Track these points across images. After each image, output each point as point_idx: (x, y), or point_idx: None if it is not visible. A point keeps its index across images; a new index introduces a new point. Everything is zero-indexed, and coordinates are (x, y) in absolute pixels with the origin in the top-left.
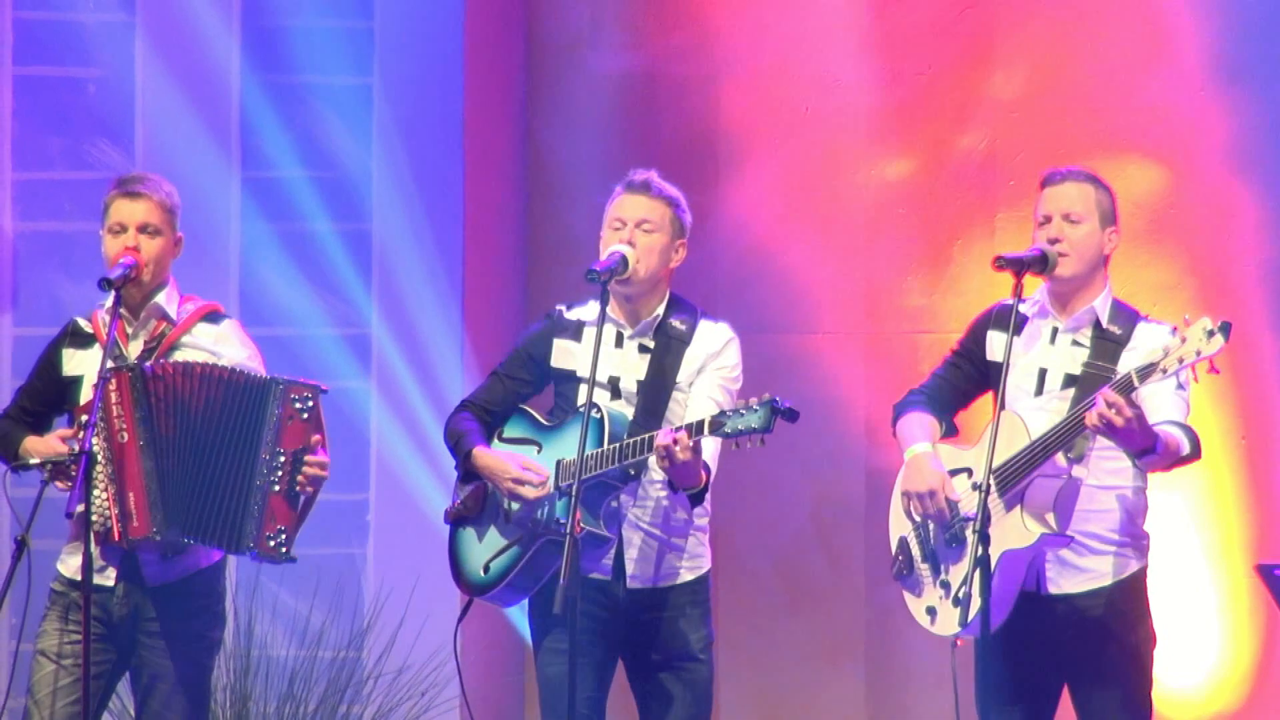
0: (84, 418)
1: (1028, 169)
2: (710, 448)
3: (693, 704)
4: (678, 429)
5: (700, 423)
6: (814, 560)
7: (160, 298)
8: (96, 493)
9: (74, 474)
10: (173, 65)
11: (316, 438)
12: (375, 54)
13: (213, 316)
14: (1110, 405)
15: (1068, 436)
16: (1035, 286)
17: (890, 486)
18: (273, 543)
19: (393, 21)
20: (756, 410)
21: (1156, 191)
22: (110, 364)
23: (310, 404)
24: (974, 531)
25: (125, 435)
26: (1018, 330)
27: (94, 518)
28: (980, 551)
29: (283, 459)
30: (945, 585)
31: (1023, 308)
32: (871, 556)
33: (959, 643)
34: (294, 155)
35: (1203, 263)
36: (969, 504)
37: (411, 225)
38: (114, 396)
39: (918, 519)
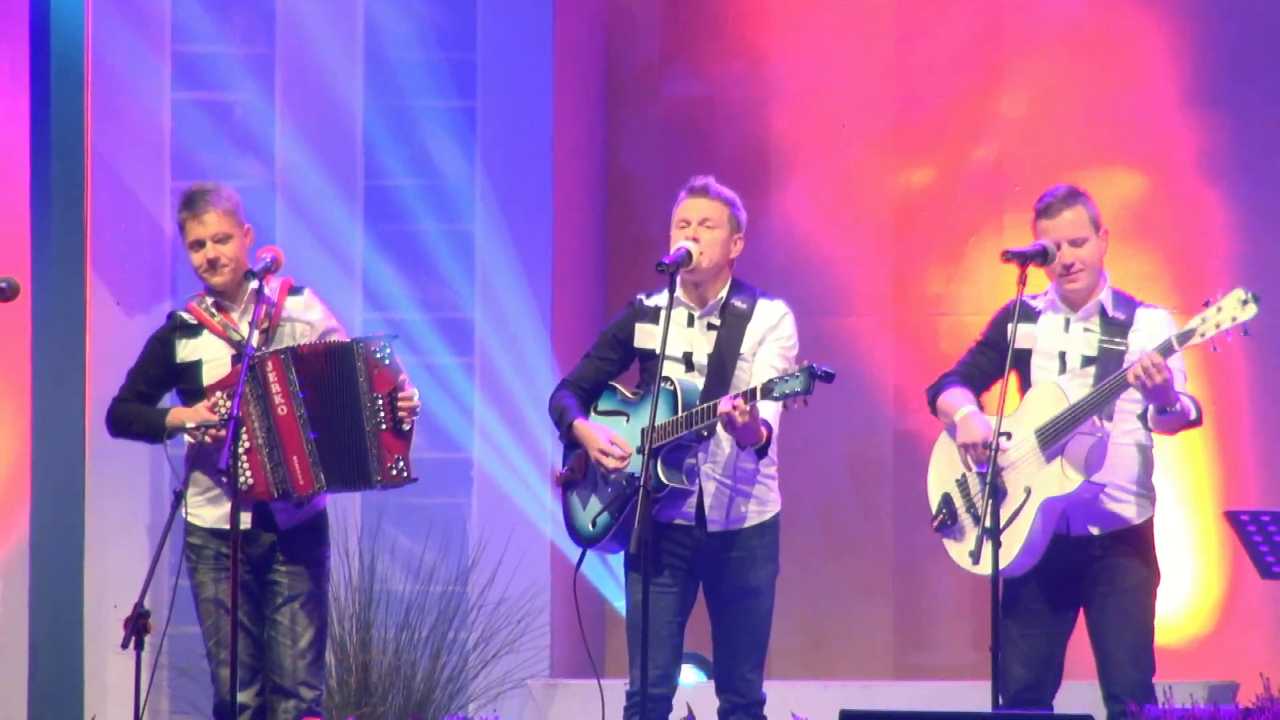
0: (219, 392)
1: (1031, 176)
2: (770, 409)
3: (754, 630)
4: (736, 396)
5: (753, 389)
6: (850, 510)
7: (253, 283)
8: (239, 454)
9: (223, 436)
10: (306, 91)
11: (402, 377)
12: (477, 81)
13: (295, 290)
14: (1154, 365)
15: (1111, 396)
16: (1037, 277)
17: (915, 447)
18: (394, 471)
19: (492, 53)
20: (798, 376)
21: (1139, 196)
22: (263, 348)
23: (388, 350)
24: (989, 483)
25: (285, 408)
26: (1034, 321)
27: (240, 477)
28: (990, 503)
29: (380, 401)
30: (987, 531)
31: (1035, 302)
32: (899, 506)
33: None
34: (408, 167)
35: (1179, 256)
36: (1010, 456)
37: (508, 226)
38: (271, 376)
39: (970, 469)
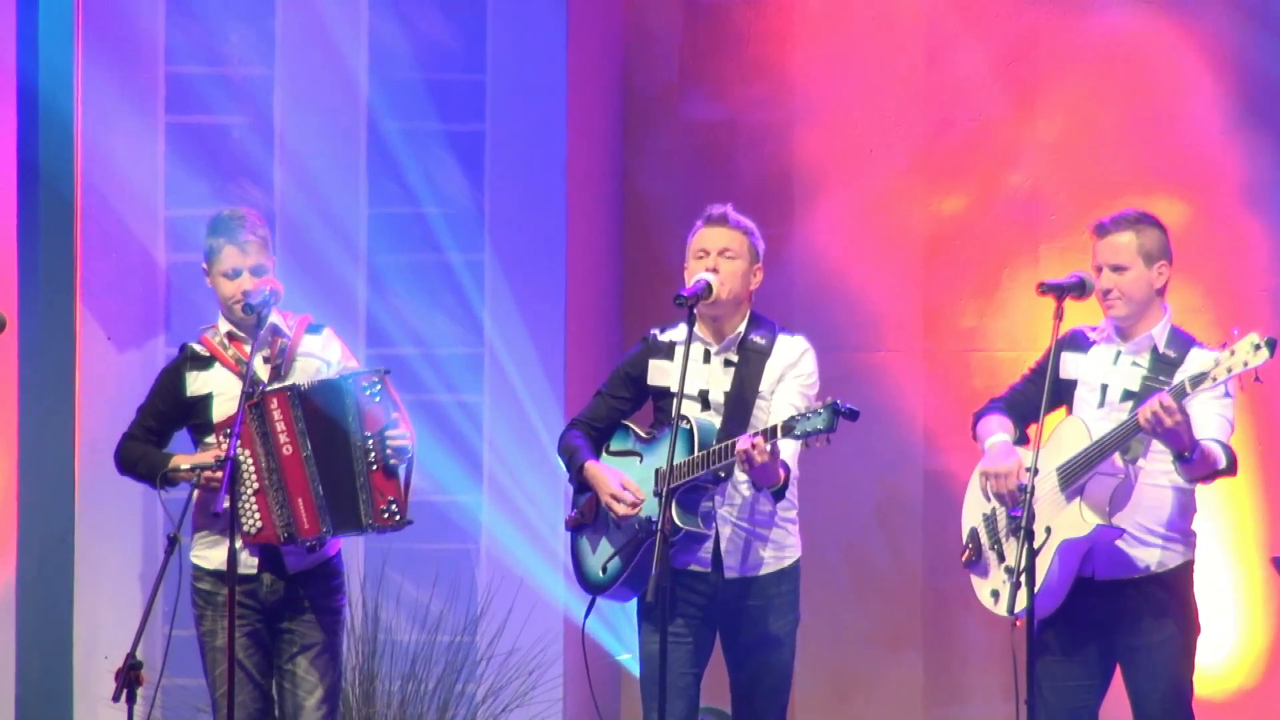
0: (225, 431)
1: (1067, 204)
2: (789, 448)
3: (775, 682)
4: (755, 434)
5: (774, 427)
6: (876, 554)
7: (274, 317)
8: (246, 495)
9: (219, 479)
10: (307, 113)
11: (395, 415)
12: (487, 103)
13: (313, 327)
14: (1163, 408)
15: (1125, 438)
16: (1075, 309)
17: (945, 488)
18: (386, 514)
19: (503, 75)
20: (821, 413)
21: (1181, 225)
22: (270, 385)
23: (378, 387)
24: (1022, 527)
25: (290, 448)
26: (1084, 351)
27: (244, 519)
28: (1025, 546)
29: (371, 440)
30: (1009, 570)
31: (1091, 334)
32: (929, 549)
33: (1018, 623)
34: (413, 194)
35: (1221, 288)
36: (1036, 493)
37: (519, 256)
38: (276, 414)
39: (993, 499)
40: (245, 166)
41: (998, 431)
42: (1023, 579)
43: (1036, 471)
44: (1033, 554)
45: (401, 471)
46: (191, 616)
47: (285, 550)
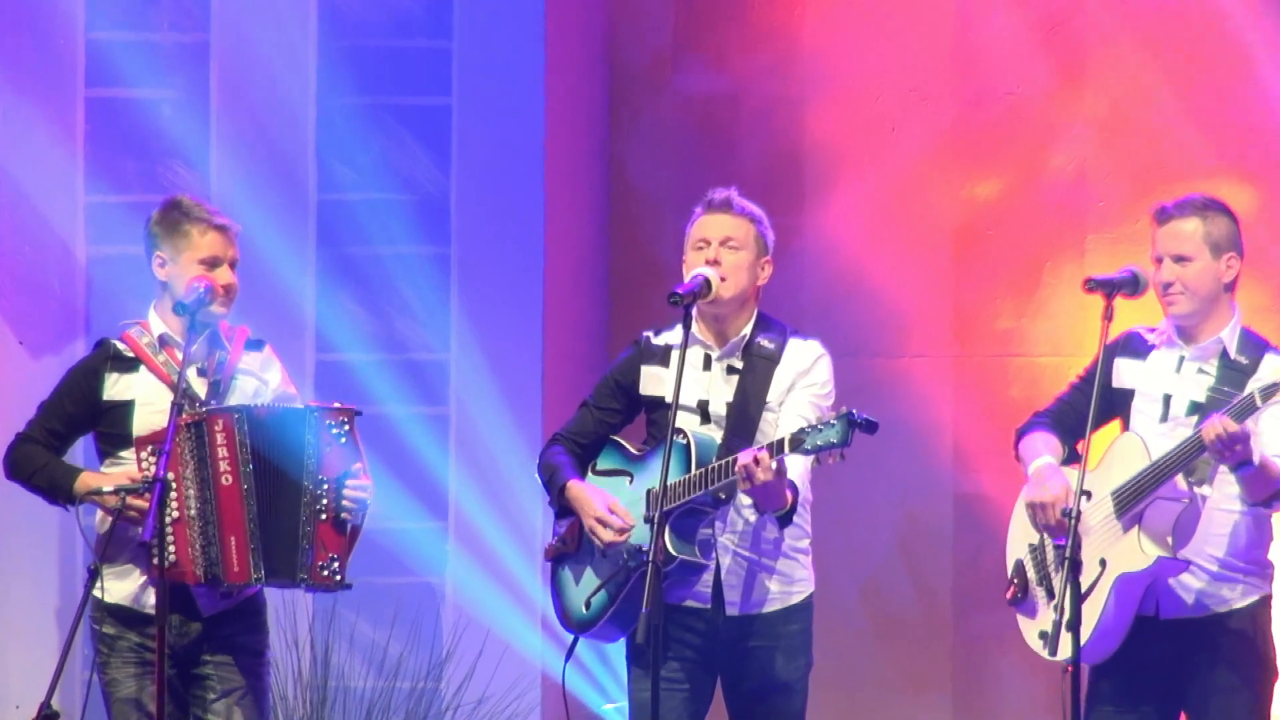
0: (148, 448)
1: (1119, 189)
2: (798, 467)
3: None
4: (759, 448)
5: (780, 441)
6: (900, 588)
7: (219, 326)
8: (169, 525)
9: (145, 506)
10: (247, 86)
11: (358, 465)
12: (454, 75)
13: (253, 343)
14: (1225, 429)
15: (1188, 458)
16: (1127, 309)
17: (978, 513)
18: (325, 571)
19: (471, 42)
20: (834, 425)
21: (1249, 213)
22: (211, 404)
23: (346, 429)
24: (1066, 558)
25: (230, 478)
26: (1142, 357)
27: (170, 554)
28: (1070, 578)
29: (325, 486)
30: (1060, 609)
31: (1149, 336)
32: (960, 584)
33: (1069, 669)
34: (369, 178)
35: None
36: (1087, 520)
37: (490, 249)
38: (220, 438)
39: (1039, 532)
40: (177, 147)
41: (1042, 453)
42: (1068, 617)
43: (1086, 494)
44: (1078, 589)
45: (350, 528)
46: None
47: (197, 591)
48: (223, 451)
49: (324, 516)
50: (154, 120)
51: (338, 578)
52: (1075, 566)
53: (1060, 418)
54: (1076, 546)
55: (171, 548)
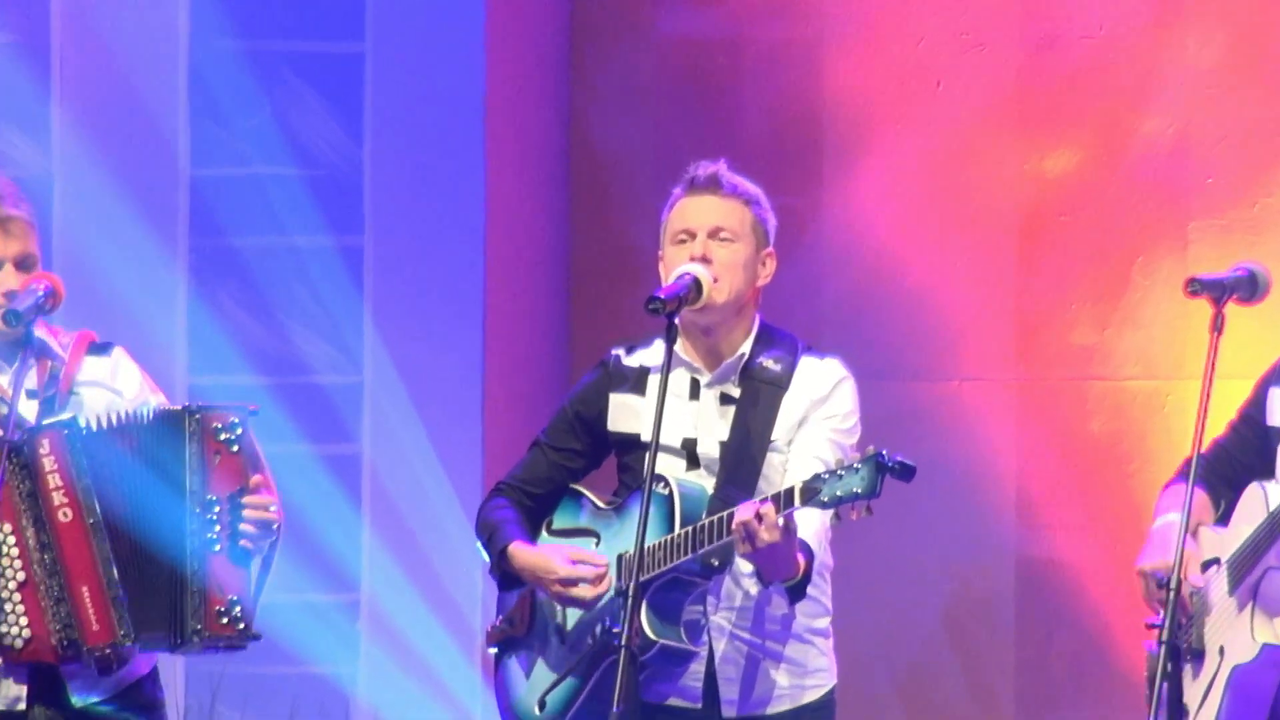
0: None
1: (1229, 161)
2: (813, 524)
3: None
4: (762, 500)
5: (790, 491)
6: (948, 678)
7: (39, 332)
8: (7, 592)
9: None
10: (99, 32)
11: (257, 478)
12: (367, 13)
13: (98, 347)
14: None
15: None
16: (1242, 317)
17: (1049, 581)
18: (225, 619)
19: None
20: (858, 470)
21: None
22: (40, 421)
23: (238, 431)
24: (1161, 642)
25: (68, 513)
26: None
27: (9, 629)
28: (1163, 670)
29: (217, 509)
30: (1183, 710)
31: None
32: (1024, 672)
33: None
34: (258, 148)
35: None
36: (1210, 596)
37: (416, 239)
38: (47, 463)
39: (1153, 608)
40: (10, 107)
41: (1170, 510)
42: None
43: (1217, 563)
44: (1177, 686)
45: (255, 562)
46: None
47: (67, 672)
48: (54, 480)
49: (217, 548)
50: None
51: (240, 626)
52: (1174, 654)
53: (1215, 465)
54: (1176, 628)
55: (24, 621)
